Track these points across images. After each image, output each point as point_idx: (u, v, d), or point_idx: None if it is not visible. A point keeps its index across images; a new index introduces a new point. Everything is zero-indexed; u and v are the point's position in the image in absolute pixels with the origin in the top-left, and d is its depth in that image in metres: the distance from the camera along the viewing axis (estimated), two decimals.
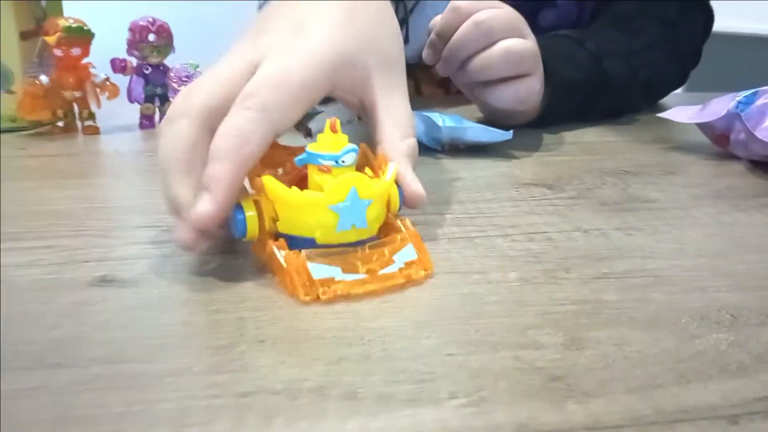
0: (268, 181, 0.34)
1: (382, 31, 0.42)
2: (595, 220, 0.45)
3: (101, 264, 0.37)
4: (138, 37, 0.69)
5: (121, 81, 0.70)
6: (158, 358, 0.28)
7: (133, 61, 0.70)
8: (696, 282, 0.37)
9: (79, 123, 0.68)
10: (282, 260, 0.33)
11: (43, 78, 0.66)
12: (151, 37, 0.69)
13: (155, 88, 0.70)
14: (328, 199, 0.33)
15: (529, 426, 0.24)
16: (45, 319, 0.31)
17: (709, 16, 0.90)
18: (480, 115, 0.73)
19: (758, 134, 0.57)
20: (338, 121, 0.35)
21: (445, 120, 0.62)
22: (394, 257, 0.34)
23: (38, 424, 0.24)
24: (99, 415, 0.24)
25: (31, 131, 0.67)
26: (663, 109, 0.68)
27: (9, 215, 0.46)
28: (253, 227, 0.34)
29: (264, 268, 0.36)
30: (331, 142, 0.35)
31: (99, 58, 0.68)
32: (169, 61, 0.71)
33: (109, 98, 0.68)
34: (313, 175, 0.35)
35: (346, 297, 0.33)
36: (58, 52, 0.65)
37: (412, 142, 0.41)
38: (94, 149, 0.64)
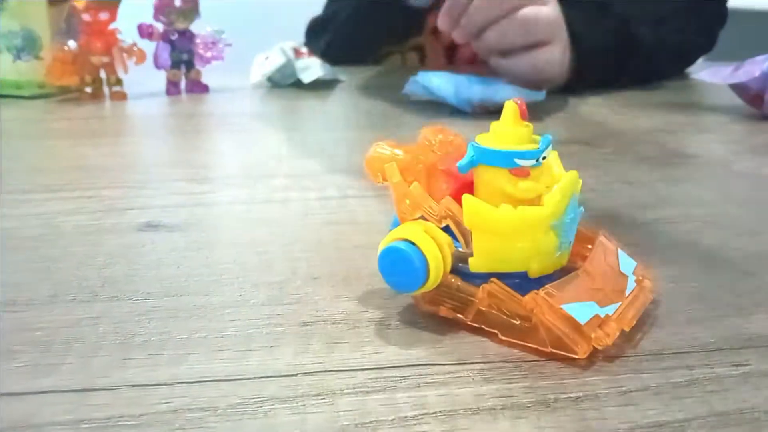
0: (471, 200, 0.24)
1: None
2: (638, 173, 0.45)
3: (144, 211, 0.37)
4: (165, 2, 0.68)
5: (149, 47, 0.69)
6: (214, 292, 0.28)
7: (160, 27, 0.69)
8: (747, 227, 0.36)
9: (106, 89, 0.68)
10: (526, 310, 0.24)
11: (71, 43, 0.66)
12: (178, 2, 0.68)
13: (181, 54, 0.70)
14: (550, 215, 0.25)
15: (598, 353, 0.24)
16: (95, 259, 0.31)
17: None
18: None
19: None
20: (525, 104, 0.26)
21: (476, 81, 0.62)
22: (622, 269, 0.27)
23: (103, 347, 0.24)
24: (164, 341, 0.24)
25: (59, 97, 0.67)
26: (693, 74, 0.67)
27: (44, 169, 0.46)
28: (437, 274, 0.24)
29: (447, 325, 0.26)
30: (519, 133, 0.26)
31: (126, 24, 0.68)
32: (195, 27, 0.70)
33: (136, 63, 0.68)
34: (499, 184, 0.25)
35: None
36: (86, 17, 0.65)
37: None
38: (123, 113, 0.64)
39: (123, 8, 0.68)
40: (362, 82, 0.77)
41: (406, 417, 0.20)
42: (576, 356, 0.23)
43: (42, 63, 0.67)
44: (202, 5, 0.70)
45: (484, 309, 0.25)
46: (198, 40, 0.70)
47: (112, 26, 0.67)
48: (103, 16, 0.66)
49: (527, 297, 0.24)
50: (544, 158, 0.26)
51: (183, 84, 0.72)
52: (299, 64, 0.73)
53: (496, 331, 0.25)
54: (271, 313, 0.26)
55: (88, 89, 0.67)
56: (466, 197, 0.24)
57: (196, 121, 0.62)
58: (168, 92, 0.71)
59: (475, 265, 0.25)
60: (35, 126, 0.59)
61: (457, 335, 0.25)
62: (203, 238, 0.34)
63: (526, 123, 0.26)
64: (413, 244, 0.24)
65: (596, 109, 0.66)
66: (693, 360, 0.24)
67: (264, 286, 0.29)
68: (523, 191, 0.25)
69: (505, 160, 0.25)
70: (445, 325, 0.25)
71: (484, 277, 0.25)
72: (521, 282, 0.25)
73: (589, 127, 0.58)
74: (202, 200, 0.39)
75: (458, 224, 0.25)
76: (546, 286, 0.24)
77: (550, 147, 0.26)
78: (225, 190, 0.41)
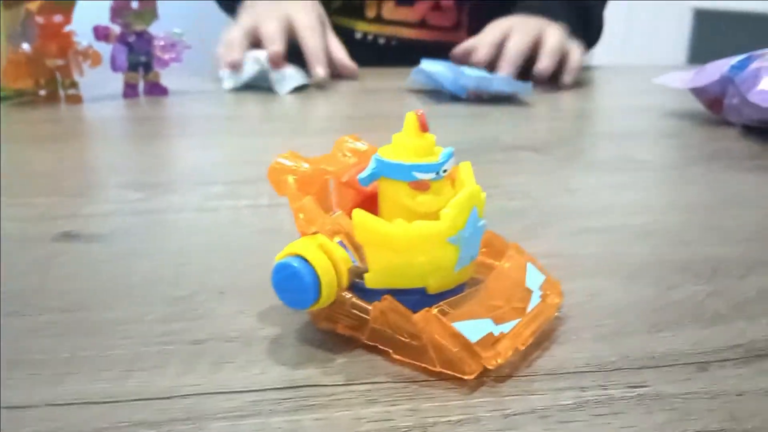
0: (361, 215, 0.24)
1: None
2: (582, 180, 0.44)
3: (70, 220, 0.36)
4: (122, 4, 0.67)
5: (107, 49, 0.69)
6: (115, 307, 0.27)
7: (117, 29, 0.68)
8: (682, 236, 0.35)
9: (62, 92, 0.67)
10: (416, 328, 0.23)
11: (26, 46, 0.65)
12: (135, 4, 0.68)
13: (139, 56, 0.69)
14: (448, 229, 0.24)
15: (489, 372, 0.23)
16: (5, 270, 0.30)
17: None
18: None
19: (751, 98, 0.56)
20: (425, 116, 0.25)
21: (472, 71, 0.69)
22: (528, 285, 0.26)
23: None
24: (48, 360, 0.24)
25: (14, 100, 0.66)
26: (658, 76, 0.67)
27: None
28: (330, 291, 0.24)
29: (342, 343, 0.25)
30: (419, 145, 0.25)
31: (83, 26, 0.67)
32: (153, 29, 0.69)
33: (91, 66, 0.67)
34: (399, 198, 0.25)
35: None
36: (39, 19, 0.64)
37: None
38: (76, 116, 0.63)
39: (80, 10, 0.67)
40: (346, 87, 0.76)
41: None
42: (465, 377, 0.22)
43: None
44: (160, 7, 0.69)
45: (377, 327, 0.24)
46: (156, 42, 0.70)
47: (67, 28, 0.66)
48: (58, 18, 0.65)
49: (418, 315, 0.23)
50: (445, 171, 0.25)
51: (142, 86, 0.71)
52: (275, 75, 0.72)
53: (389, 350, 0.24)
54: (166, 330, 0.26)
55: (43, 92, 0.67)
56: (356, 212, 0.24)
57: (149, 124, 0.62)
58: (125, 95, 0.70)
59: (370, 281, 0.24)
60: None
61: (351, 354, 0.24)
62: (123, 248, 0.33)
63: (427, 134, 0.25)
64: (305, 260, 0.23)
65: (553, 113, 0.65)
66: (588, 380, 0.23)
67: (168, 301, 0.28)
68: (422, 205, 0.25)
69: (403, 172, 0.25)
70: (342, 344, 0.25)
71: (384, 294, 0.24)
72: (421, 298, 0.24)
73: (541, 133, 0.58)
74: (134, 208, 0.39)
75: (351, 239, 0.24)
76: (440, 303, 0.24)
77: (452, 160, 0.26)
78: (159, 198, 0.41)
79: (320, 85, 0.74)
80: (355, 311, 0.24)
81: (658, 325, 0.27)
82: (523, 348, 0.24)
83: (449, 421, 0.21)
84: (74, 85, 0.67)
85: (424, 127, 0.25)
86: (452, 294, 0.25)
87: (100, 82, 0.71)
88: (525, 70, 0.74)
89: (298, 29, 0.76)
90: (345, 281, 0.24)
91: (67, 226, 0.35)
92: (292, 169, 0.26)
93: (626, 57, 2.07)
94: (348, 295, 0.24)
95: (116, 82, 0.69)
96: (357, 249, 0.24)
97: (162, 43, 0.70)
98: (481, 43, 0.76)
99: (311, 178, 0.26)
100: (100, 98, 0.68)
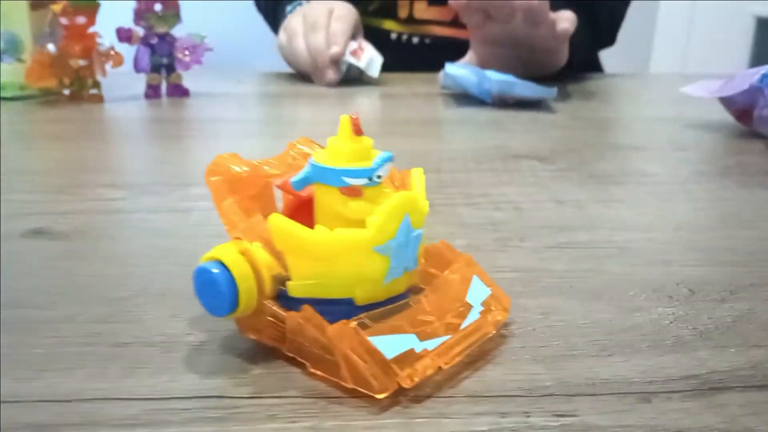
0: (277, 220, 0.23)
1: None
2: (576, 192, 0.42)
3: (44, 217, 0.37)
4: (145, 6, 0.68)
5: (131, 51, 0.70)
6: (53, 305, 0.27)
7: (140, 31, 0.70)
8: (663, 255, 0.33)
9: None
10: (329, 341, 0.21)
11: (51, 47, 0.67)
12: (158, 6, 0.69)
13: (161, 57, 0.70)
14: (374, 238, 0.22)
15: (407, 392, 0.22)
16: None
17: None
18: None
19: None
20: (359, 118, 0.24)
21: (495, 74, 0.67)
22: (468, 299, 0.25)
23: None
24: None
25: (40, 100, 0.68)
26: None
27: None
28: (249, 299, 0.23)
29: (266, 354, 0.24)
30: (352, 149, 0.23)
31: (108, 28, 0.69)
32: (176, 32, 0.70)
33: (113, 67, 0.68)
34: (332, 203, 0.23)
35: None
36: (63, 20, 0.66)
37: None
38: (93, 116, 0.64)
39: (105, 11, 0.68)
40: (374, 91, 0.75)
41: None
42: (376, 395, 0.21)
43: (23, 65, 0.68)
44: (183, 10, 0.70)
45: (294, 338, 0.23)
46: (178, 44, 0.70)
47: (91, 30, 0.68)
48: (81, 19, 0.66)
49: (332, 327, 0.22)
50: (379, 177, 0.24)
51: (163, 88, 0.72)
52: (362, 62, 0.75)
53: (307, 364, 0.23)
54: (92, 332, 0.25)
55: (66, 91, 0.68)
56: (272, 217, 0.23)
57: (163, 125, 0.62)
58: (146, 96, 0.71)
59: (293, 289, 0.23)
60: (3, 129, 0.60)
61: (270, 366, 0.23)
62: (84, 247, 0.33)
63: (363, 138, 0.24)
64: (224, 265, 0.23)
65: (572, 121, 0.63)
66: (512, 406, 0.21)
67: (105, 302, 0.28)
68: (354, 212, 0.24)
69: (333, 177, 0.24)
70: (264, 355, 0.24)
71: (312, 303, 0.23)
72: (349, 310, 0.23)
73: (554, 142, 0.55)
74: (109, 207, 0.39)
75: (271, 246, 0.23)
76: (361, 315, 0.23)
77: (389, 165, 0.24)
78: (137, 198, 0.41)
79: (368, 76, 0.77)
80: (275, 321, 0.23)
81: (609, 349, 0.25)
82: (447, 367, 0.23)
83: None
84: (96, 85, 0.69)
85: (358, 131, 0.24)
86: (383, 306, 0.24)
87: (125, 84, 0.72)
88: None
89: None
90: (268, 289, 0.23)
91: (39, 223, 0.36)
92: (226, 170, 0.26)
93: (687, 66, 2.00)
94: (270, 303, 0.24)
95: (140, 83, 0.71)
96: (277, 256, 0.23)
97: (184, 45, 0.70)
98: None
99: (248, 180, 0.26)
100: (122, 99, 0.69)
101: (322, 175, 0.24)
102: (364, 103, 0.72)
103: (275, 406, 0.21)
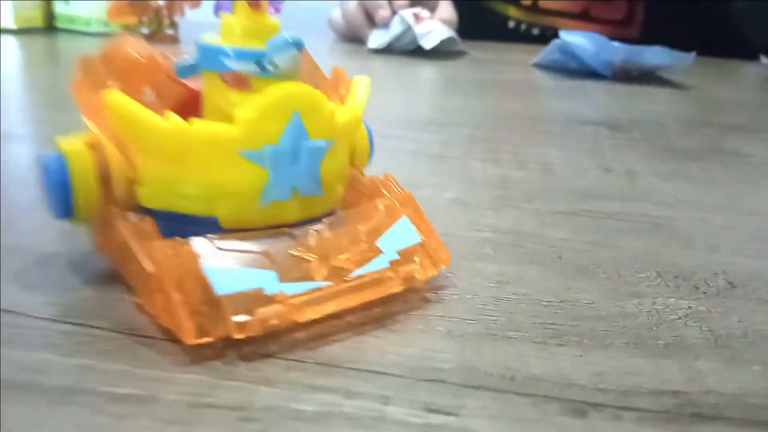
0: (117, 97, 0.18)
1: None
2: (636, 162, 0.34)
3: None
4: None
5: None
6: None
7: None
8: (713, 239, 0.25)
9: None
10: (148, 262, 0.16)
11: None
12: None
13: None
14: (242, 138, 0.17)
15: (239, 344, 0.16)
16: None
17: None
18: None
19: None
20: None
21: (620, 43, 0.57)
22: (380, 243, 0.19)
23: None
24: None
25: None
26: None
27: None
28: (88, 200, 0.18)
29: (114, 276, 0.19)
30: (247, 28, 0.18)
31: None
32: None
33: (191, 8, 0.66)
34: (214, 94, 0.19)
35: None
36: None
37: None
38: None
39: None
40: (465, 57, 0.68)
41: None
42: (186, 341, 0.16)
43: (106, 2, 0.68)
44: None
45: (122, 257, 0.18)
46: None
47: None
48: None
49: (156, 243, 0.16)
50: (275, 66, 0.18)
51: None
52: (420, 29, 0.67)
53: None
54: None
55: (144, 30, 0.68)
56: (108, 93, 0.18)
57: None
58: None
59: (144, 197, 0.18)
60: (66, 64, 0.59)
61: (102, 290, 0.18)
62: None
63: (264, 15, 0.19)
64: (59, 155, 0.18)
65: (670, 96, 0.53)
66: (372, 386, 0.15)
67: None
68: (231, 104, 0.18)
69: (213, 60, 0.18)
70: (108, 278, 0.19)
71: (168, 221, 0.18)
72: (203, 230, 0.18)
73: (634, 113, 0.46)
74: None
75: (117, 139, 0.18)
76: (207, 235, 0.17)
77: (294, 53, 0.18)
78: None
79: (460, 50, 0.68)
80: (114, 233, 0.18)
81: (564, 339, 0.17)
82: (302, 321, 0.16)
83: (113, 393, 0.14)
84: (174, 25, 0.68)
85: (255, 4, 0.18)
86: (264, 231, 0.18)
87: (203, 29, 0.71)
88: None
89: None
90: (119, 193, 0.18)
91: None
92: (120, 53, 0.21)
93: None
94: (120, 212, 0.18)
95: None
96: (124, 152, 0.18)
97: None
98: None
99: (145, 68, 0.21)
100: None
101: (204, 59, 0.19)
102: (449, 64, 0.65)
103: (65, 333, 0.16)
